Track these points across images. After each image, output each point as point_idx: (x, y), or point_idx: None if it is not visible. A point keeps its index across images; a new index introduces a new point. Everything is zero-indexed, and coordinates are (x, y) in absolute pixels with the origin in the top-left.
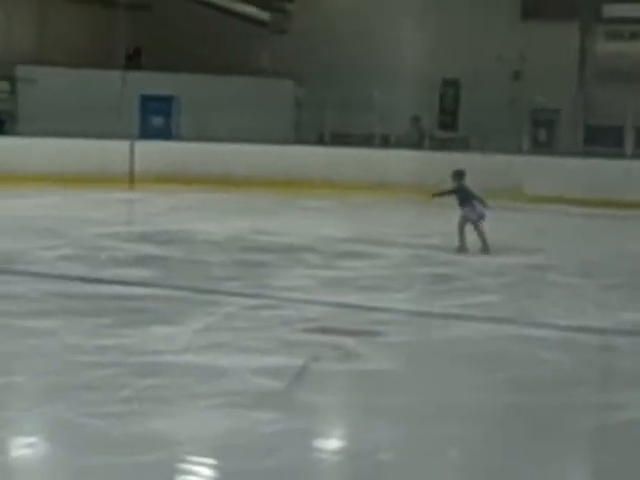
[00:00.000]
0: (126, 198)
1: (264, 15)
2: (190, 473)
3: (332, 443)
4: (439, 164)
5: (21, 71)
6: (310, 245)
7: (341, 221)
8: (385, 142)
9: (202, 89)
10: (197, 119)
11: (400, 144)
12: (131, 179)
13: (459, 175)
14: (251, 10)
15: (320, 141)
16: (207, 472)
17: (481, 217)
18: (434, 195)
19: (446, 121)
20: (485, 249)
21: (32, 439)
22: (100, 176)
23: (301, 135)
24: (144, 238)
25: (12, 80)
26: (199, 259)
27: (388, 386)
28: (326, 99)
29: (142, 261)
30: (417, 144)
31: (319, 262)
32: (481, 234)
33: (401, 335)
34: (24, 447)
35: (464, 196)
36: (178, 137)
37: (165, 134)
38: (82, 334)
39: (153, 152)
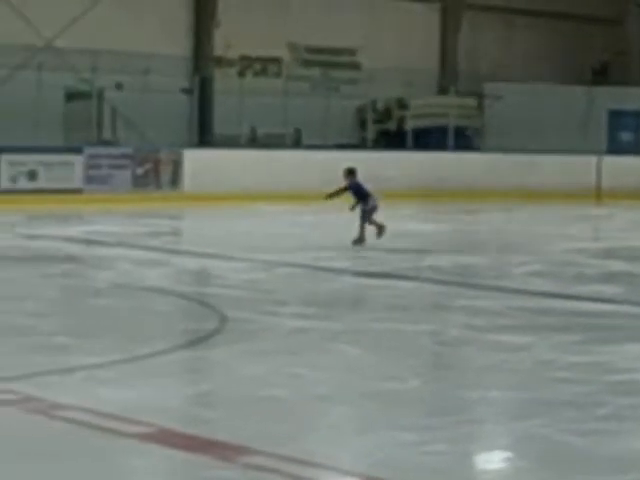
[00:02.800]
0: (592, 214)
1: None
2: None
3: None
4: None
5: (488, 88)
6: None
7: None
8: None
9: None
10: None
11: None
12: (598, 194)
13: (351, 173)
14: None
15: None
16: None
17: (376, 209)
18: (327, 197)
19: None
20: (380, 233)
21: (508, 454)
22: (565, 191)
23: None
24: (611, 254)
25: (479, 96)
26: None
27: None
28: None
29: (610, 277)
30: None
31: None
32: (375, 222)
33: None
34: (500, 462)
35: (360, 191)
36: None
37: (635, 149)
38: (553, 350)
39: (621, 168)
